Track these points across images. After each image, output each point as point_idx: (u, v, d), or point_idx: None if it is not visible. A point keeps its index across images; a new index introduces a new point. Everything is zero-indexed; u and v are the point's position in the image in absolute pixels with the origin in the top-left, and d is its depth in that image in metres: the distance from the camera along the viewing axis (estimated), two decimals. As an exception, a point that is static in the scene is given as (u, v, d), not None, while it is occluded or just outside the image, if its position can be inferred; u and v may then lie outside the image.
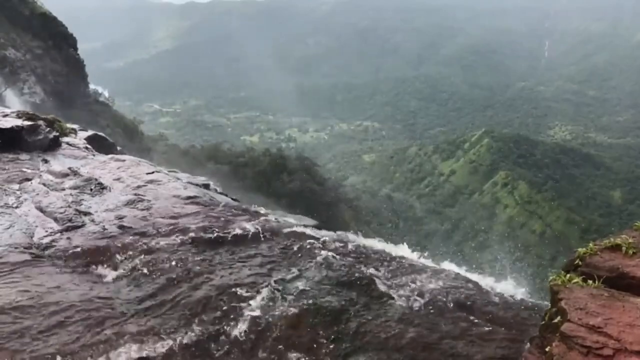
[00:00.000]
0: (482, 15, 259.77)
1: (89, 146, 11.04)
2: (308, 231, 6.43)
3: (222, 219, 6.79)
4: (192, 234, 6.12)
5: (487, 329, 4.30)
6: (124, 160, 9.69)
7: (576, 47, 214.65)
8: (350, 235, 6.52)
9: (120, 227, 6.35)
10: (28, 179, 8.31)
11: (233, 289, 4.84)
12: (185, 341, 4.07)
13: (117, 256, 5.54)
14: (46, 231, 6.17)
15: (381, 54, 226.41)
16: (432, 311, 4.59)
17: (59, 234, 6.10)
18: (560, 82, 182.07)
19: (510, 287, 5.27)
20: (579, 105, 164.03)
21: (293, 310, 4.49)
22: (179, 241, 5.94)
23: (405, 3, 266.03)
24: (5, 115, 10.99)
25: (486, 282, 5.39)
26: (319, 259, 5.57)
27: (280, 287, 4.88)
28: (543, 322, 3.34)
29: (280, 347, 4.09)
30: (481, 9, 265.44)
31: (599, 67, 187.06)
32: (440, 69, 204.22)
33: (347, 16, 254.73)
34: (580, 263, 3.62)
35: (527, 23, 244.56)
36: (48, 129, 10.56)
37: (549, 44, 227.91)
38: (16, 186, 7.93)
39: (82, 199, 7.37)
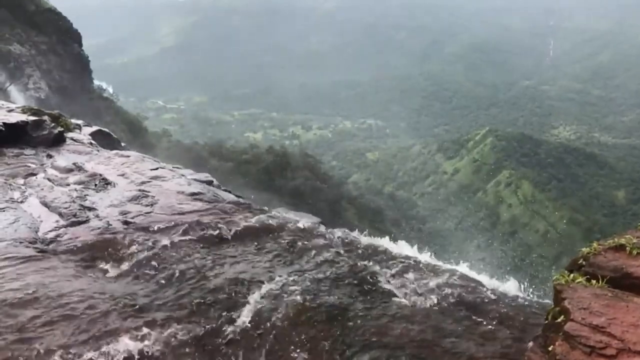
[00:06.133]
0: (486, 13, 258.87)
1: (93, 142, 11.06)
2: (311, 228, 6.44)
3: (226, 215, 6.81)
4: (195, 230, 6.14)
5: (489, 327, 4.30)
6: (128, 156, 9.72)
7: (580, 45, 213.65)
8: (353, 233, 6.53)
9: (125, 222, 6.38)
10: (33, 174, 8.34)
11: (236, 285, 4.86)
12: (187, 336, 4.09)
13: (121, 251, 5.57)
14: (51, 226, 6.20)
15: (385, 52, 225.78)
16: (434, 309, 4.60)
17: (63, 229, 6.13)
18: (564, 81, 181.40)
19: (514, 287, 5.27)
20: (583, 104, 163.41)
21: (295, 307, 4.50)
22: (182, 237, 5.97)
23: (409, 0, 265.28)
24: (10, 111, 11.03)
25: (489, 281, 5.39)
26: (321, 256, 5.58)
27: (282, 284, 4.90)
28: (546, 322, 3.34)
29: (282, 343, 4.11)
30: (485, 7, 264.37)
31: (604, 66, 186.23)
32: (444, 66, 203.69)
33: (351, 13, 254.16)
34: (583, 263, 3.62)
35: (531, 21, 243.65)
36: (53, 124, 10.59)
37: (553, 42, 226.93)
38: (21, 181, 7.97)
39: (87, 195, 7.40)
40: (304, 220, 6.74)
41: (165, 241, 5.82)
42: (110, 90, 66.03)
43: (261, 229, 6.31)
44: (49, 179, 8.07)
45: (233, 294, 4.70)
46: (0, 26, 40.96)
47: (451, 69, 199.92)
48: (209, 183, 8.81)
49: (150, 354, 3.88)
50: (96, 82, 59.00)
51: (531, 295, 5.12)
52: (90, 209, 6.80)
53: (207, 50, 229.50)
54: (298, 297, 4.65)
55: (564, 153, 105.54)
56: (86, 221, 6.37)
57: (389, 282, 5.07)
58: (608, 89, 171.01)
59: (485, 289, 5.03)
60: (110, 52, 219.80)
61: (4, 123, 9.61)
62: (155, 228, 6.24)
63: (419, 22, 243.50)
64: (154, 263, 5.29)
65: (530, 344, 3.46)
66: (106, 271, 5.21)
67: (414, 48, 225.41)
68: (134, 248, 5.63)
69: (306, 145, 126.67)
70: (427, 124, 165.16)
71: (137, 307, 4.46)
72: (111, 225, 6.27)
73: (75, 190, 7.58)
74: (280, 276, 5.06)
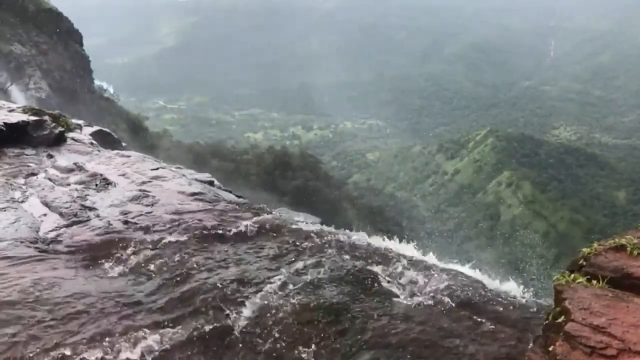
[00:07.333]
0: (486, 14, 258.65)
1: (94, 142, 11.08)
2: (312, 228, 6.44)
3: (227, 215, 6.81)
4: (196, 230, 6.15)
5: (490, 327, 4.30)
6: (129, 156, 9.72)
7: (581, 45, 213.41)
8: (354, 233, 6.53)
9: (125, 222, 6.38)
10: (34, 174, 8.36)
11: (237, 285, 4.86)
12: (189, 335, 4.09)
13: (122, 251, 5.57)
14: (51, 226, 6.20)
15: (385, 52, 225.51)
16: (435, 309, 4.60)
17: (64, 229, 6.13)
18: (565, 82, 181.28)
19: (514, 287, 5.27)
20: (584, 105, 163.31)
21: (296, 306, 4.50)
22: (183, 237, 5.97)
23: (410, 1, 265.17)
24: (11, 111, 11.05)
25: (490, 281, 5.39)
26: (322, 256, 5.58)
27: (283, 284, 4.90)
28: (547, 322, 3.34)
29: (283, 343, 4.11)
30: (485, 7, 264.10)
31: (604, 66, 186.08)
32: (444, 67, 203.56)
33: (351, 13, 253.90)
34: (584, 263, 3.61)
35: (532, 21, 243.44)
36: (53, 124, 10.60)
37: (553, 42, 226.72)
38: (22, 181, 7.98)
39: (87, 194, 7.41)
40: (305, 221, 6.74)
41: (166, 241, 5.82)
42: (111, 90, 66.10)
43: (262, 229, 6.31)
44: (49, 179, 8.08)
45: (234, 294, 4.70)
46: (1, 26, 40.96)
47: (451, 69, 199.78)
48: (210, 183, 8.82)
49: (151, 353, 3.89)
50: (97, 82, 59.03)
51: (531, 296, 5.12)
52: (91, 208, 6.81)
53: (207, 50, 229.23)
54: (299, 297, 4.65)
55: (564, 153, 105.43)
56: (87, 221, 6.37)
57: (390, 282, 5.07)
58: (608, 90, 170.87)
59: (485, 289, 5.03)
60: (110, 52, 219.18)
61: (5, 123, 9.62)
62: (156, 228, 6.24)
63: (419, 23, 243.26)
64: (154, 263, 5.30)
65: (531, 344, 3.46)
66: (107, 271, 5.22)
67: (414, 48, 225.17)
68: (134, 248, 5.63)
69: (307, 146, 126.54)
70: (428, 124, 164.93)
71: (138, 306, 4.46)
72: (112, 225, 6.27)
73: (76, 190, 7.59)
74: (281, 276, 5.06)
